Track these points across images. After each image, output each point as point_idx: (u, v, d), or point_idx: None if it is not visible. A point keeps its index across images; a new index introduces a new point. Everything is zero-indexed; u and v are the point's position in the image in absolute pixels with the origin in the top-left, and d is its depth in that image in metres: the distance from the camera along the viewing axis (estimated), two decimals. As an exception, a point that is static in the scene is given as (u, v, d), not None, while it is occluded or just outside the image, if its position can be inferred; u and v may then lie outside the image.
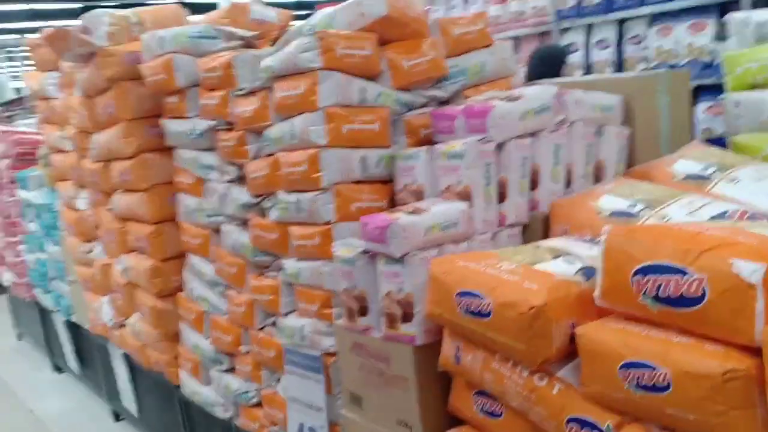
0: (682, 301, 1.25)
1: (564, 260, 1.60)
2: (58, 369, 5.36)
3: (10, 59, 23.53)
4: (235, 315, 2.71)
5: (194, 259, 3.01)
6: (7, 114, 10.70)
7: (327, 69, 2.06)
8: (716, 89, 4.00)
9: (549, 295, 1.44)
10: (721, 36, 4.19)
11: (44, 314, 5.23)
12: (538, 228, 2.01)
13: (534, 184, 2.03)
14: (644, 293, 1.31)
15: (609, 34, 4.83)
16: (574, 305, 1.48)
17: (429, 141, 2.19)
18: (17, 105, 10.75)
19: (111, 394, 4.31)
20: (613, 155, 2.19)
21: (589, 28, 4.97)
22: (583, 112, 2.10)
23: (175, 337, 3.26)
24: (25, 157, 5.23)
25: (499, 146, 1.95)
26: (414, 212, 1.84)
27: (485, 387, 1.65)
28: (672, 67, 4.42)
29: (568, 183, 2.10)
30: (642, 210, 1.80)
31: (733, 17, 2.45)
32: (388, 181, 2.20)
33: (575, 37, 5.04)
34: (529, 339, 1.44)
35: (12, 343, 6.22)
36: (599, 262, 1.42)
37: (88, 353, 4.59)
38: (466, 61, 2.34)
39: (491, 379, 1.60)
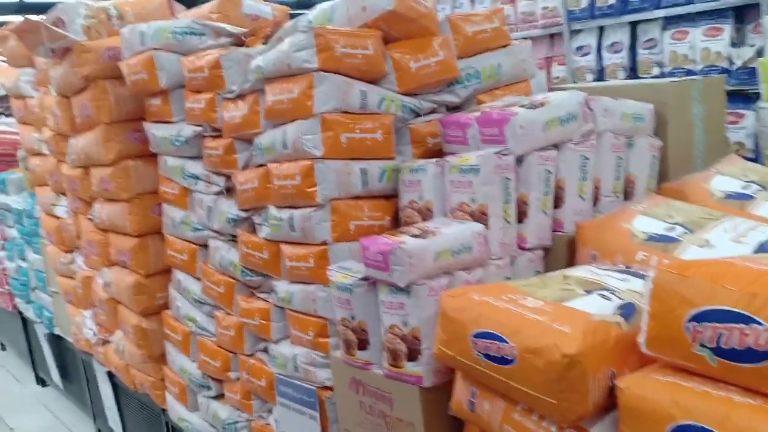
0: (747, 354, 1.07)
1: (599, 296, 1.37)
2: (42, 382, 5.15)
3: (-1, 55, 23.25)
4: (224, 338, 2.49)
5: (180, 276, 2.79)
6: (-6, 112, 10.44)
7: (324, 70, 1.84)
8: (735, 97, 3.83)
9: (585, 340, 1.23)
10: (737, 41, 4.04)
11: (27, 325, 5.02)
12: (562, 252, 1.79)
13: (558, 202, 1.80)
14: (701, 343, 1.13)
15: (622, 37, 4.68)
16: (614, 351, 1.27)
17: (438, 152, 1.98)
18: (3, 102, 10.48)
19: (96, 412, 4.11)
20: (645, 169, 1.97)
21: (602, 30, 4.83)
22: (612, 122, 1.88)
23: (161, 358, 3.06)
24: (5, 158, 4.99)
25: (519, 159, 1.72)
26: (421, 235, 1.61)
27: (504, 439, 1.43)
28: (688, 72, 4.23)
29: (595, 200, 1.88)
30: (682, 234, 1.60)
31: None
32: (391, 196, 1.98)
33: (587, 40, 4.97)
34: (561, 392, 1.23)
35: (-5, 354, 5.99)
36: (645, 303, 1.20)
37: (73, 367, 4.39)
38: (481, 62, 2.11)
39: None
